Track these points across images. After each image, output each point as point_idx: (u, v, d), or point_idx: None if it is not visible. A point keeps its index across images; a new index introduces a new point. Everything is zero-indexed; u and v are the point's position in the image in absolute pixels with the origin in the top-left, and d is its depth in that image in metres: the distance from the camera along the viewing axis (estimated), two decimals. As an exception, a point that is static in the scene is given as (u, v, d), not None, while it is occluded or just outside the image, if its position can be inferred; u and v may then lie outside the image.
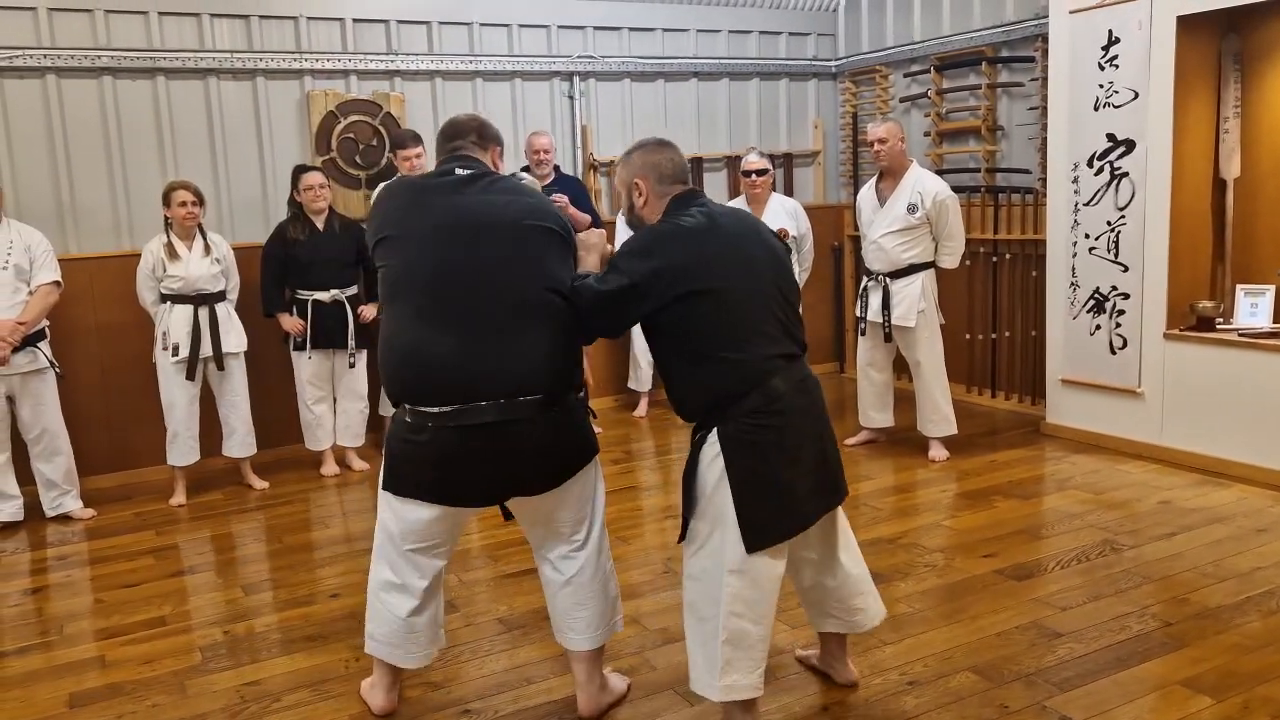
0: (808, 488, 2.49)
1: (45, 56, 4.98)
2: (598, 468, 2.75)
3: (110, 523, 4.67)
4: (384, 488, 2.61)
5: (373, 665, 2.82)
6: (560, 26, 6.23)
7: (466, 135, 2.69)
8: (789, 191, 6.82)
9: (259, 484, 5.10)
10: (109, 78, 5.17)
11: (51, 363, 4.60)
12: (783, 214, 5.35)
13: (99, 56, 5.09)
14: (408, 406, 2.50)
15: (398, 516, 2.61)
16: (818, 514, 2.55)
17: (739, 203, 5.47)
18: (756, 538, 2.40)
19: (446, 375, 2.43)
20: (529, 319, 2.46)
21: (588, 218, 5.66)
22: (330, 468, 5.28)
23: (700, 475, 2.46)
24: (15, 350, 4.42)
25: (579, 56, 6.29)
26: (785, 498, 2.44)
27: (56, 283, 4.60)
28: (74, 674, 3.17)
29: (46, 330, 4.64)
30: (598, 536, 2.73)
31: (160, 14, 5.21)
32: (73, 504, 4.74)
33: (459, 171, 2.58)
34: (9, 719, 2.91)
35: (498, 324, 2.44)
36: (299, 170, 5.12)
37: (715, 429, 2.43)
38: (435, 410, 2.43)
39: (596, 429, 6.25)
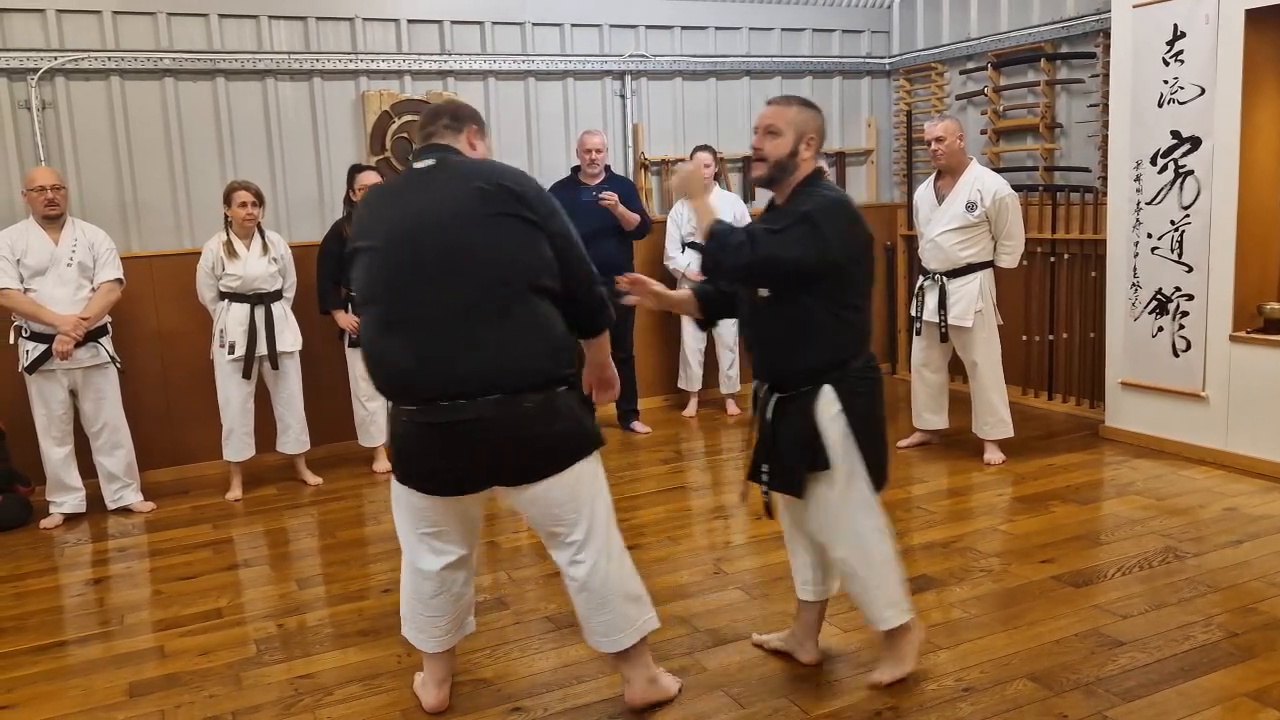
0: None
1: (109, 59, 5.09)
2: (594, 468, 2.64)
3: (169, 516, 4.76)
4: (393, 472, 2.69)
5: (422, 661, 2.84)
6: (612, 25, 6.24)
7: (439, 120, 2.62)
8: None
9: (313, 480, 5.16)
10: (170, 79, 5.27)
11: (113, 358, 4.70)
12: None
13: (161, 59, 5.19)
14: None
15: (402, 501, 2.68)
16: None
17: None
18: (881, 478, 2.73)
19: (406, 379, 2.47)
20: (488, 315, 2.42)
21: (636, 217, 5.66)
22: (382, 464, 5.33)
23: (824, 431, 2.65)
24: (78, 345, 4.52)
25: (631, 55, 6.29)
26: (886, 444, 2.80)
27: (119, 280, 4.70)
28: (133, 664, 3.23)
29: (109, 326, 4.74)
30: (601, 540, 2.62)
31: (220, 16, 5.31)
32: (133, 497, 4.84)
33: (418, 165, 2.55)
34: (71, 707, 2.97)
35: (452, 325, 2.42)
36: (354, 170, 5.18)
37: (827, 385, 2.65)
38: (405, 407, 2.51)
39: (643, 428, 6.25)
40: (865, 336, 2.75)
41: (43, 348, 4.51)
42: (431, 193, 2.48)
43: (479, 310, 2.41)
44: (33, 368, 4.53)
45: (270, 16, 5.41)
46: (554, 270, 2.51)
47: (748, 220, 5.91)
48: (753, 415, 2.86)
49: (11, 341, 4.61)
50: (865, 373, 2.72)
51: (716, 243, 2.61)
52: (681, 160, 6.37)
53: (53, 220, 4.57)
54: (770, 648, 3.07)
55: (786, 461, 2.72)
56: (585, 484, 2.60)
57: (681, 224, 5.97)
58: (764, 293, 2.70)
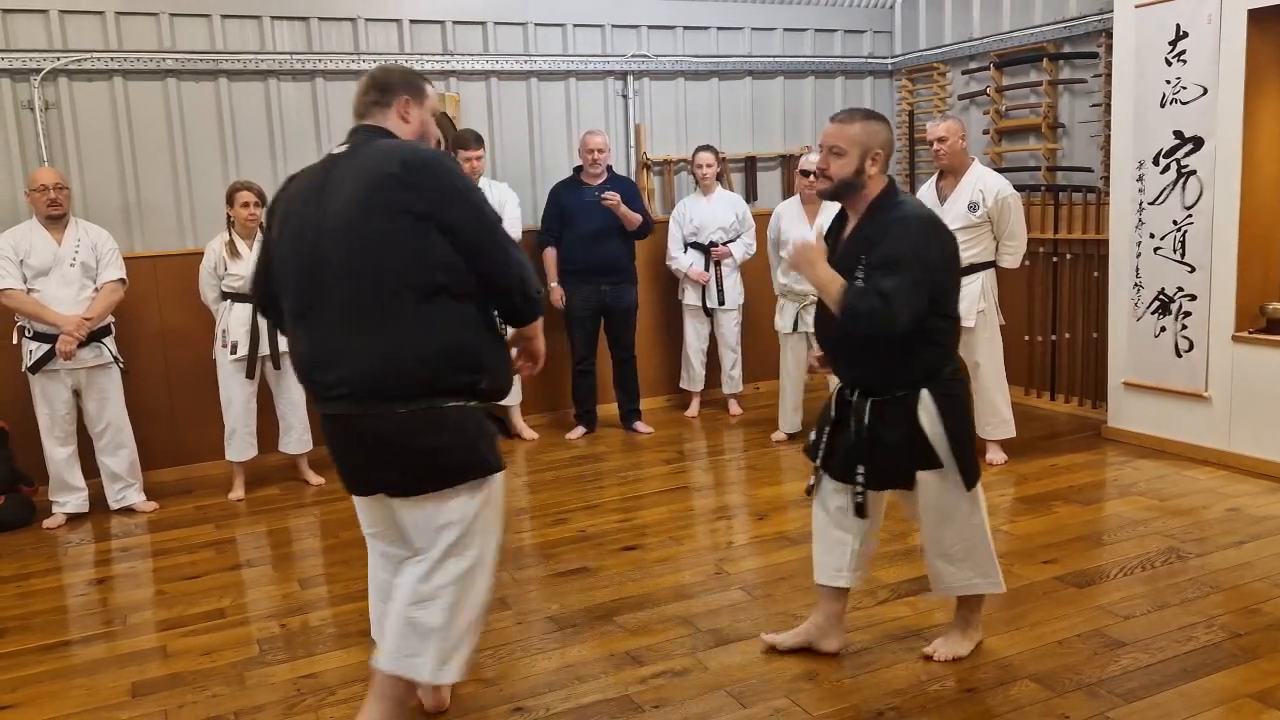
0: None
1: (112, 59, 5.10)
2: (477, 497, 2.40)
3: (171, 516, 4.77)
4: None
5: None
6: (614, 26, 6.23)
7: (366, 96, 2.47)
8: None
9: (315, 479, 5.17)
10: (173, 80, 5.27)
11: (116, 358, 4.71)
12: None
13: (163, 59, 5.20)
14: None
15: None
16: None
17: (794, 202, 5.43)
18: (976, 474, 2.83)
19: (305, 372, 2.44)
20: (366, 318, 2.29)
21: (638, 217, 5.67)
22: (385, 464, 5.33)
23: (929, 432, 2.75)
24: (81, 345, 4.53)
25: (633, 55, 6.29)
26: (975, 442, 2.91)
27: (121, 280, 4.71)
28: (137, 663, 3.24)
29: (112, 326, 4.75)
30: (451, 576, 2.38)
31: (222, 17, 5.31)
32: (136, 497, 4.85)
33: (333, 151, 2.42)
34: (75, 707, 2.98)
35: (335, 325, 2.33)
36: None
37: (925, 391, 2.75)
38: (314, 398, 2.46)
39: (645, 428, 6.23)
40: (955, 343, 2.86)
41: (46, 348, 4.52)
42: (329, 185, 2.35)
43: (357, 313, 2.30)
44: (36, 368, 4.54)
45: (272, 17, 5.42)
46: (454, 266, 2.31)
47: (750, 220, 5.99)
48: (832, 416, 2.92)
49: (15, 342, 4.62)
50: (955, 375, 2.82)
51: (853, 312, 2.64)
52: (684, 160, 6.37)
53: (56, 220, 4.58)
54: (786, 647, 3.05)
55: (893, 461, 2.80)
56: (454, 510, 2.38)
57: (684, 224, 5.97)
58: None
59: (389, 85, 2.47)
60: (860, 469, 2.83)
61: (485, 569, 2.46)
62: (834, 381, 3.01)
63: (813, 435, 3.04)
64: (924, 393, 2.76)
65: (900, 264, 2.62)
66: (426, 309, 2.30)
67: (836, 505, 2.98)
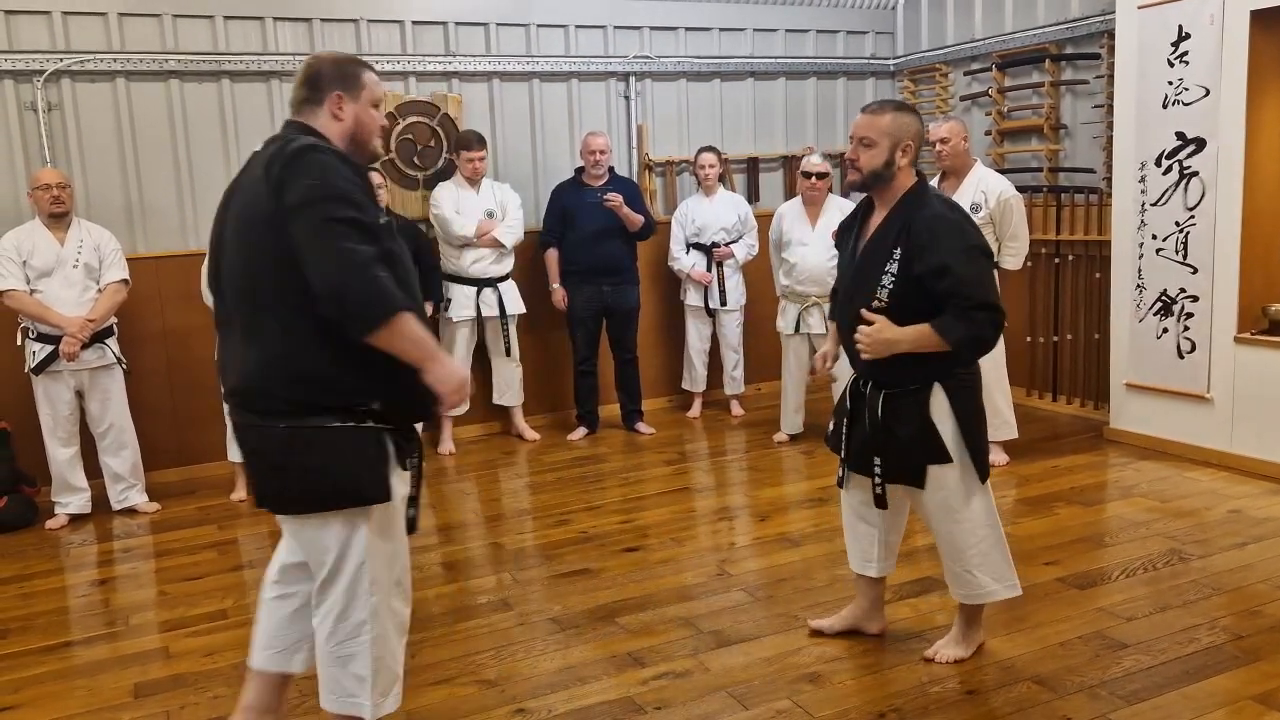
0: None
1: (115, 60, 5.10)
2: (350, 524, 2.25)
3: (174, 516, 4.77)
4: None
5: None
6: (616, 27, 6.23)
7: (298, 92, 2.35)
8: (845, 193, 6.75)
9: (317, 480, 5.16)
10: (175, 80, 5.28)
11: (119, 359, 4.72)
12: (840, 217, 5.28)
13: (166, 60, 5.20)
14: None
15: None
16: None
17: (796, 203, 5.43)
18: (985, 469, 2.84)
19: (219, 375, 2.42)
20: (252, 328, 2.21)
21: (640, 218, 5.67)
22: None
23: (940, 427, 2.77)
24: (84, 346, 4.54)
25: (635, 57, 6.29)
26: (987, 437, 2.93)
27: (125, 281, 4.71)
28: (139, 664, 3.24)
29: (114, 327, 4.76)
30: (337, 601, 2.28)
31: (225, 18, 5.31)
32: (138, 497, 4.85)
33: (255, 149, 2.31)
34: (77, 707, 2.98)
35: (228, 333, 2.29)
36: (358, 171, 5.18)
37: (938, 384, 2.76)
38: None
39: (647, 429, 6.21)
40: None
41: (49, 349, 4.53)
42: (236, 188, 2.29)
43: (244, 323, 2.23)
44: (39, 369, 4.55)
45: (275, 18, 5.42)
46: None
47: (752, 221, 5.99)
48: (847, 408, 2.93)
49: (19, 343, 4.63)
50: (969, 368, 2.83)
51: (965, 344, 2.67)
52: (686, 161, 6.37)
53: (58, 220, 4.58)
54: (834, 630, 3.13)
55: (905, 455, 2.81)
56: (335, 536, 2.25)
57: (686, 225, 5.97)
58: (881, 303, 2.73)
59: (320, 80, 2.30)
60: (877, 461, 2.85)
61: (396, 596, 2.38)
62: (837, 384, 3.01)
63: (831, 426, 3.06)
64: (937, 386, 2.77)
65: (966, 266, 2.64)
66: (302, 322, 2.15)
67: (859, 498, 3.01)
